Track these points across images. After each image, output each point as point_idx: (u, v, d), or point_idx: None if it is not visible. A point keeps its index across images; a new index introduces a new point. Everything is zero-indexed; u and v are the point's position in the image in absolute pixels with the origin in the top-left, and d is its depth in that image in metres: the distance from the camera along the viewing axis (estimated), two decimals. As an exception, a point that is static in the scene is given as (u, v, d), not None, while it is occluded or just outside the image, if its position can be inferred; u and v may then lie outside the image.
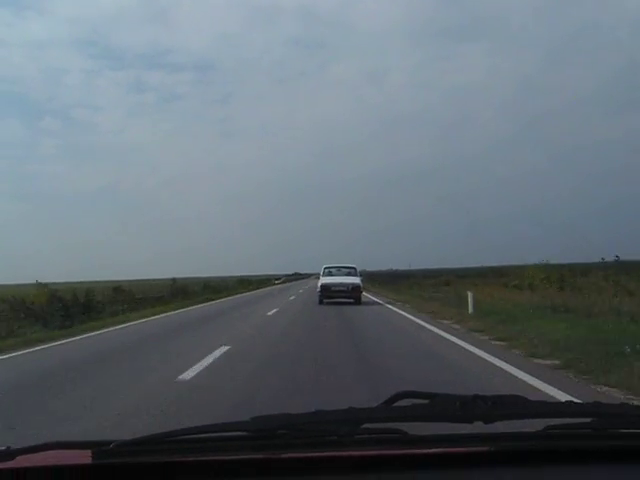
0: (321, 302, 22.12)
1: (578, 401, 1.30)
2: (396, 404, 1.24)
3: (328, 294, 22.18)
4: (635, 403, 5.21)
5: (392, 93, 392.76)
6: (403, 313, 17.86)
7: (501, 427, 1.24)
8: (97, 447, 1.18)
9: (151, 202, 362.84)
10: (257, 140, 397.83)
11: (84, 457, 1.16)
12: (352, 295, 22.10)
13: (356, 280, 22.77)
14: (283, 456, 1.18)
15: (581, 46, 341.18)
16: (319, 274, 25.22)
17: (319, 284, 22.90)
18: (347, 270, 24.17)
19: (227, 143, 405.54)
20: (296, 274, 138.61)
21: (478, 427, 1.22)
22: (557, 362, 7.58)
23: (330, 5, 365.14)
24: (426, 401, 1.21)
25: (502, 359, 7.87)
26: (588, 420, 1.26)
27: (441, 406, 1.21)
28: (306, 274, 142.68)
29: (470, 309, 15.57)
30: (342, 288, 22.29)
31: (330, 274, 23.93)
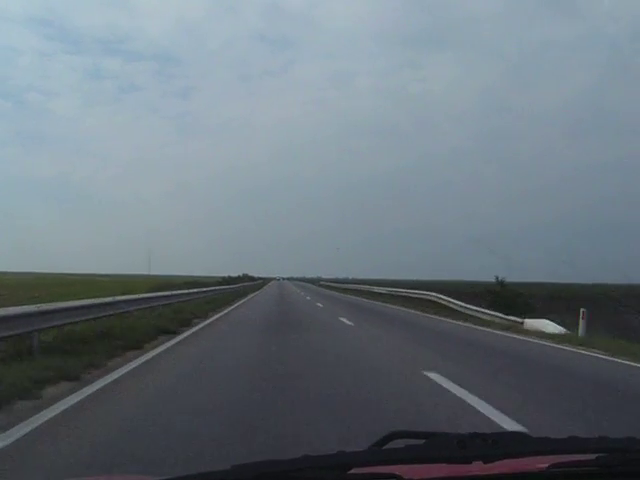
0: None
1: (582, 437, 1.19)
2: (388, 445, 1.12)
3: None
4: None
5: (355, 97, 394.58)
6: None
7: (501, 467, 1.13)
8: None
9: (103, 195, 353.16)
10: (215, 138, 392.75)
11: None
12: None
13: None
14: None
15: (545, 65, 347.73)
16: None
17: None
18: None
19: (185, 139, 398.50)
20: (245, 276, 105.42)
21: (477, 467, 1.11)
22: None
23: (297, 1, 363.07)
24: (421, 441, 1.09)
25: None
26: (593, 457, 1.16)
27: (437, 446, 1.10)
28: (259, 278, 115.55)
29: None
30: None
31: None
